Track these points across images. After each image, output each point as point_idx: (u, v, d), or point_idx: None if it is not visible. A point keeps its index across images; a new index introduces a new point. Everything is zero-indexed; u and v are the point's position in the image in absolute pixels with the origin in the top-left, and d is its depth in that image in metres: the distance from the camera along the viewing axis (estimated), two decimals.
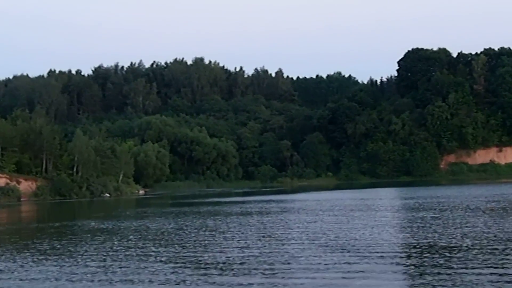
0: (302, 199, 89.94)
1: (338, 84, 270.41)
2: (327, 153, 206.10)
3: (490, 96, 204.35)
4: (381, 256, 26.79)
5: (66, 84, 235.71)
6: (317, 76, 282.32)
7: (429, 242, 31.11)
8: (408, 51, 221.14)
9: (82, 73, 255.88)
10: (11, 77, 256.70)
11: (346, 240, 32.96)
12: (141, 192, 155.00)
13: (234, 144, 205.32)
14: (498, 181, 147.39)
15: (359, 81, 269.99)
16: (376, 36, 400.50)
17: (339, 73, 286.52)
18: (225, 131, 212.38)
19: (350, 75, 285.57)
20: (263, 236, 36.46)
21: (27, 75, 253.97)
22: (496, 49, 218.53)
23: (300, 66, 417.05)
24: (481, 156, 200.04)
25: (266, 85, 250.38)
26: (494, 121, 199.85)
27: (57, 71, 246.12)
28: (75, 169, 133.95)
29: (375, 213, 52.92)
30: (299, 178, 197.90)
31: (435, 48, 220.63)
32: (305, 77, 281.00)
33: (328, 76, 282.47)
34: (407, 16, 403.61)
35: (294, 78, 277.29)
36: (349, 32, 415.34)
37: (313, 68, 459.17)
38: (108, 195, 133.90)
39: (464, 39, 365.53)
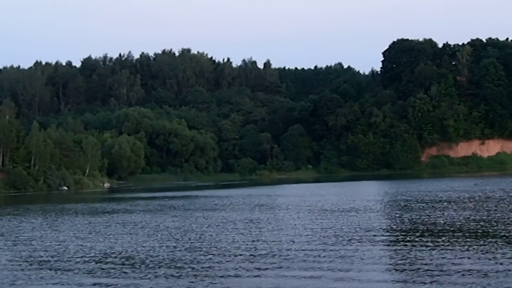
0: (229, 195, 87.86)
1: (337, 76, 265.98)
2: (307, 146, 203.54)
3: (473, 88, 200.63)
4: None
5: (51, 76, 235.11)
6: (315, 67, 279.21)
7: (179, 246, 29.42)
8: (393, 42, 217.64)
9: (73, 64, 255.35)
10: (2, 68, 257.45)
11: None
12: (106, 185, 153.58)
13: (214, 136, 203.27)
14: (477, 174, 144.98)
15: (361, 72, 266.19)
16: (380, 25, 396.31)
17: (340, 64, 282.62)
18: (205, 123, 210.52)
19: (349, 66, 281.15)
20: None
21: (19, 66, 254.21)
22: (484, 39, 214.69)
23: (300, 58, 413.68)
24: (463, 149, 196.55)
25: (254, 76, 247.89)
26: (477, 113, 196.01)
27: (43, 63, 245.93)
28: (32, 162, 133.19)
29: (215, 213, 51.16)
30: (278, 171, 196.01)
31: (420, 39, 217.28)
32: (303, 68, 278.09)
33: (326, 67, 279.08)
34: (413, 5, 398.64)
35: (292, 69, 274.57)
36: (350, 20, 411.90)
37: (313, 59, 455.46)
38: (66, 188, 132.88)
39: (452, 29, 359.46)
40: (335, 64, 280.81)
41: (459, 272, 22.73)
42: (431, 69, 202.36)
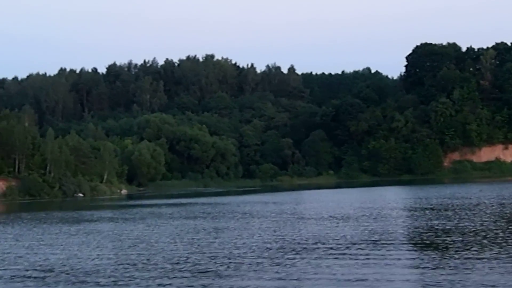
0: (228, 202, 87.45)
1: (363, 81, 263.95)
2: (329, 151, 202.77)
3: (496, 92, 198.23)
4: None
5: (75, 82, 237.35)
6: (342, 72, 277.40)
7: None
8: (417, 46, 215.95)
9: (98, 71, 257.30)
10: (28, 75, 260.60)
11: None
12: (124, 191, 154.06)
13: (235, 142, 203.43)
14: (499, 180, 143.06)
15: (389, 76, 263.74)
16: (408, 29, 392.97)
17: (368, 69, 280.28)
18: (227, 129, 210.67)
19: (377, 71, 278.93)
20: None
21: (45, 73, 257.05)
22: (508, 43, 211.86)
23: (327, 63, 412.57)
24: (486, 154, 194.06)
25: (277, 81, 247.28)
26: (500, 117, 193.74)
27: (68, 70, 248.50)
28: (48, 169, 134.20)
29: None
30: (299, 177, 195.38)
31: (444, 43, 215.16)
32: (330, 73, 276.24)
33: (353, 72, 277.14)
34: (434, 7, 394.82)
35: (319, 74, 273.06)
36: (377, 24, 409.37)
37: (340, 64, 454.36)
38: (81, 195, 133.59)
39: (476, 33, 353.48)
40: (363, 69, 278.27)
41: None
42: (454, 73, 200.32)
